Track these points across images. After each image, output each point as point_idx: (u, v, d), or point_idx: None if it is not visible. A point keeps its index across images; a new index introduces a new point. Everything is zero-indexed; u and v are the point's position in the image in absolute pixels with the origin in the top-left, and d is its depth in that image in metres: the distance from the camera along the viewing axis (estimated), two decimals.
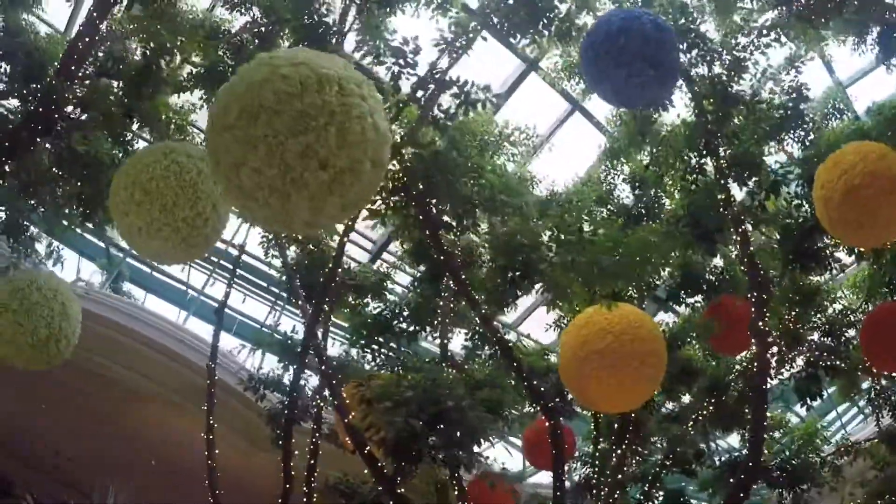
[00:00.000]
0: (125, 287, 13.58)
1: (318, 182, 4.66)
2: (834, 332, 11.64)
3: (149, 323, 12.40)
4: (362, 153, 4.79)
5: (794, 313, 11.50)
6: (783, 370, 11.60)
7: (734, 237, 9.34)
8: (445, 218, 8.55)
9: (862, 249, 11.05)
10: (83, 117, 8.82)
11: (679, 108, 9.94)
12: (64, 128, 8.75)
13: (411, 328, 10.17)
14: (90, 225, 9.44)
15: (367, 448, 8.37)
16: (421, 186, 8.45)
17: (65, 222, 9.54)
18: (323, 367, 9.09)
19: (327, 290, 9.53)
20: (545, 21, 9.17)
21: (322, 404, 9.85)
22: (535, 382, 8.78)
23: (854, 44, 11.02)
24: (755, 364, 8.92)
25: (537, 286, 8.67)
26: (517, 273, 8.33)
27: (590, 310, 8.88)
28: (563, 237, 8.09)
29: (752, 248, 9.13)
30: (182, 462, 11.86)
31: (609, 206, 11.19)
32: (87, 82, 8.96)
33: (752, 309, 8.88)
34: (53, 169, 8.94)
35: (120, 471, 13.45)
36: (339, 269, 10.13)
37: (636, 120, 10.28)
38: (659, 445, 11.56)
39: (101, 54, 9.02)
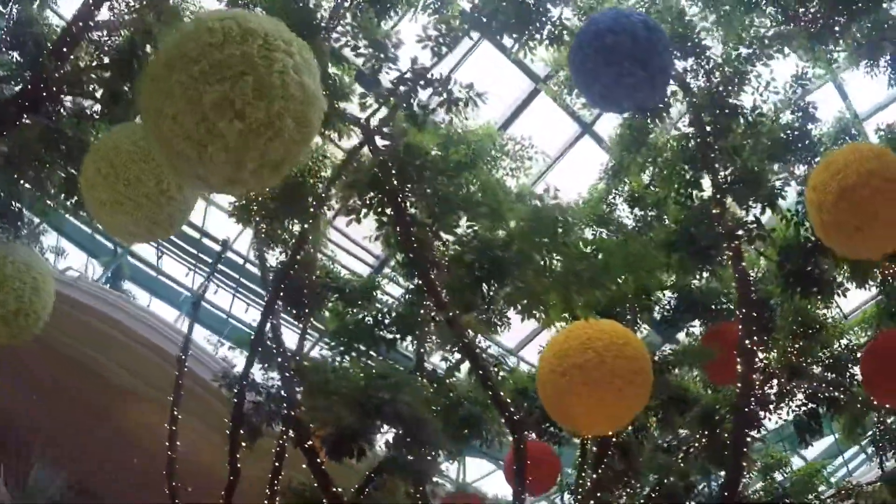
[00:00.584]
0: (125, 286, 13.08)
1: (233, 133, 4.33)
2: (838, 368, 10.48)
3: (140, 319, 11.59)
4: (282, 108, 4.45)
5: (797, 346, 10.42)
6: (783, 405, 10.48)
7: (727, 252, 8.38)
8: (419, 215, 7.83)
9: (866, 277, 10.01)
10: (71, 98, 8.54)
11: (675, 120, 9.27)
12: (52, 107, 8.48)
13: (392, 336, 9.38)
14: (73, 207, 8.99)
15: (310, 443, 7.55)
16: (395, 181, 7.77)
17: (49, 203, 9.11)
18: (281, 361, 8.32)
19: (301, 289, 8.84)
20: (538, 24, 8.55)
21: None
22: (501, 394, 7.84)
23: (867, 66, 10.16)
24: (739, 384, 7.88)
25: (508, 290, 7.80)
26: (485, 270, 7.47)
27: (572, 324, 8.04)
28: (537, 239, 7.23)
29: (744, 264, 8.17)
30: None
31: (610, 227, 10.33)
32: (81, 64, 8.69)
33: (741, 326, 7.90)
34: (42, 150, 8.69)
35: (102, 467, 12.74)
36: (318, 271, 9.49)
37: (631, 130, 9.41)
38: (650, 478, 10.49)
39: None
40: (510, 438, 11.29)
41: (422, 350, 9.37)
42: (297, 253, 8.87)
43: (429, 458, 8.95)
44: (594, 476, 9.24)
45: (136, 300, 12.66)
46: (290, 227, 9.69)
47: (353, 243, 12.88)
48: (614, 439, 9.83)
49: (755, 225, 8.69)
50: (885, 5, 10.06)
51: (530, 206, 7.43)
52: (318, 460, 7.56)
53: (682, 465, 10.15)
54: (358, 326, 9.42)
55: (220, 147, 4.37)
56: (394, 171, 7.78)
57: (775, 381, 10.27)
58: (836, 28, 9.82)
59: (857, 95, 11.99)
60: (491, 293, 7.79)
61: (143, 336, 11.83)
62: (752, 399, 9.91)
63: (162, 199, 6.36)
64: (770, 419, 10.71)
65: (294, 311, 9.42)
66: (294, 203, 9.28)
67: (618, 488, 10.47)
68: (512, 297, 7.76)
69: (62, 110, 8.61)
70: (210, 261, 12.39)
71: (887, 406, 9.86)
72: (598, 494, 9.12)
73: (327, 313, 9.96)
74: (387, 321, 9.36)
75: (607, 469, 10.32)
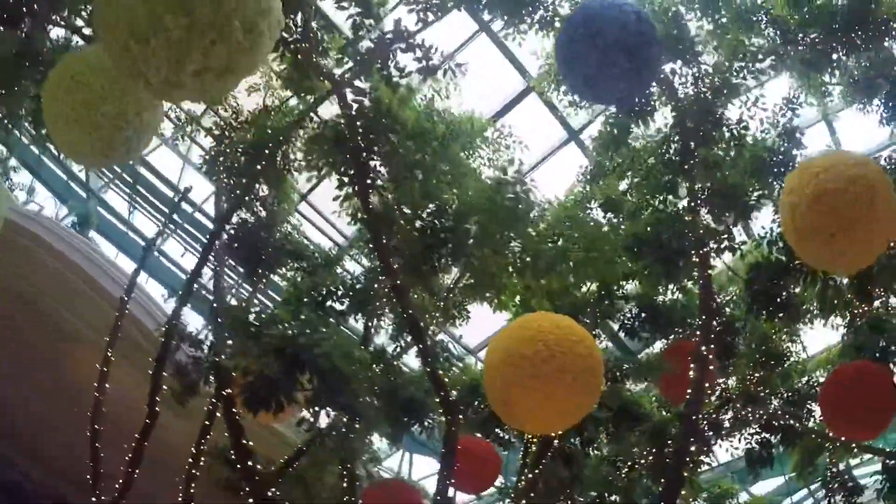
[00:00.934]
0: (91, 235, 12.39)
1: (179, 27, 4.05)
2: (797, 402, 9.81)
3: (102, 267, 10.80)
4: (231, 10, 4.15)
5: (757, 375, 9.76)
6: (736, 433, 9.80)
7: (695, 260, 7.75)
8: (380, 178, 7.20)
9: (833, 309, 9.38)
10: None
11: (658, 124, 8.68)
12: (32, 25, 7.97)
13: (342, 309, 8.70)
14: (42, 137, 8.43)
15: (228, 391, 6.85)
16: (360, 140, 7.17)
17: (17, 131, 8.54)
18: (214, 308, 7.65)
19: (257, 248, 8.18)
20: (530, 7, 8.02)
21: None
22: (438, 371, 7.12)
23: (860, 104, 9.64)
24: (689, 391, 7.18)
25: (462, 265, 7.15)
26: (437, 238, 6.82)
27: (527, 315, 7.38)
28: (496, 214, 6.59)
29: (710, 272, 7.52)
30: (113, 416, 10.27)
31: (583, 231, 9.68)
32: None
33: (698, 332, 7.25)
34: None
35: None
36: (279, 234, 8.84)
37: (613, 128, 8.82)
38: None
39: None
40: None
41: (370, 324, 8.67)
42: (248, 204, 8.26)
43: (362, 435, 8.30)
44: (530, 476, 8.53)
45: (100, 249, 11.94)
46: (258, 187, 9.07)
47: (323, 219, 12.23)
48: (559, 444, 9.15)
49: (726, 236, 8.05)
50: (886, 42, 9.58)
51: (493, 180, 6.81)
52: (234, 410, 6.87)
53: (626, 480, 9.42)
54: (309, 294, 8.76)
55: (162, 42, 4.08)
56: (361, 130, 7.19)
57: (731, 410, 9.58)
58: (834, 57, 9.34)
59: (845, 134, 11.48)
60: (442, 262, 7.12)
61: (101, 286, 11.04)
62: (703, 417, 9.31)
63: (120, 122, 5.95)
64: (721, 446, 10.04)
65: (247, 270, 8.75)
66: (263, 161, 8.67)
67: (560, 497, 9.77)
68: (470, 277, 7.14)
69: (45, 36, 8.18)
70: (191, 224, 11.74)
71: (843, 439, 9.16)
72: (532, 495, 8.38)
73: (283, 281, 9.30)
74: (339, 293, 8.70)
75: (551, 477, 9.65)
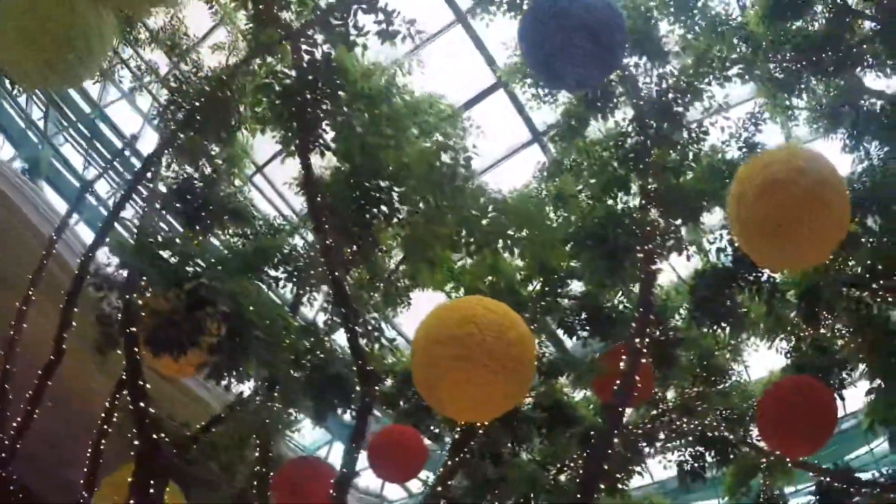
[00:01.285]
0: (44, 187, 11.63)
1: None
2: (735, 420, 9.30)
3: (48, 219, 10.27)
4: None
5: (696, 390, 9.25)
6: (671, 445, 9.26)
7: (639, 254, 7.24)
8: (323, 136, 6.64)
9: (782, 338, 8.94)
10: None
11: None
12: None
13: (274, 274, 8.07)
14: None
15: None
16: (308, 95, 6.62)
17: None
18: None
19: (198, 202, 7.59)
20: None
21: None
22: (359, 341, 6.53)
23: (824, 129, 9.27)
24: (618, 382, 6.61)
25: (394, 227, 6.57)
26: (373, 197, 6.26)
27: (462, 297, 6.83)
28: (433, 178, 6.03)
29: (653, 267, 7.02)
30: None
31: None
32: None
33: (633, 325, 6.72)
34: None
35: None
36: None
37: (571, 117, 8.32)
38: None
39: None
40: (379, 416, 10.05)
41: (301, 292, 8.04)
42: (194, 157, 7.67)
43: (281, 406, 7.68)
44: (449, 463, 7.92)
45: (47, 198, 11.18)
46: (207, 142, 8.47)
47: (276, 193, 11.61)
48: (487, 441, 8.57)
49: (674, 233, 7.55)
50: (857, 72, 9.23)
51: (434, 143, 6.28)
52: (135, 349, 6.24)
53: (553, 482, 8.82)
54: (241, 256, 8.13)
55: None
56: (310, 83, 6.65)
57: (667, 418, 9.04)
58: (803, 79, 8.97)
59: None
60: (374, 222, 6.54)
61: (42, 233, 10.28)
62: (638, 427, 8.78)
63: (65, 46, 5.64)
64: (658, 461, 9.49)
65: (182, 224, 8.12)
66: (214, 115, 8.09)
67: (486, 496, 9.19)
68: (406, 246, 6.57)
69: None
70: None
71: (778, 453, 8.61)
72: (450, 483, 7.76)
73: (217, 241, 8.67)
74: (276, 259, 8.08)
75: (477, 475, 9.07)
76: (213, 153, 8.70)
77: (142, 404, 6.09)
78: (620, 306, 8.70)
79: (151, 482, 5.84)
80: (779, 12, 8.62)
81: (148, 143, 11.24)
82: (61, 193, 11.62)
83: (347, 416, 9.21)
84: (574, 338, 8.73)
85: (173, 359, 5.48)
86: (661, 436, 9.26)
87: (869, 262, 7.49)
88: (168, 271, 5.38)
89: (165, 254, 5.64)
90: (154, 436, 6.14)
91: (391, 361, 9.81)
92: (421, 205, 6.36)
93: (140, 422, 6.08)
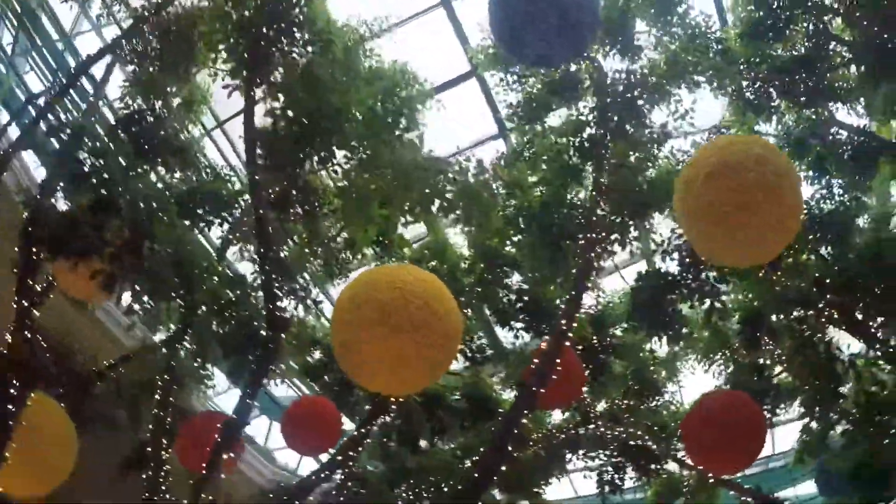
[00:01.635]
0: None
1: None
2: (662, 437, 8.75)
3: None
4: None
5: (626, 403, 8.73)
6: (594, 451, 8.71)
7: (580, 240, 6.69)
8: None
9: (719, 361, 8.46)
10: None
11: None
12: None
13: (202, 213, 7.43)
14: None
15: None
16: (264, 32, 6.05)
17: None
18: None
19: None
20: None
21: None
22: (275, 282, 5.92)
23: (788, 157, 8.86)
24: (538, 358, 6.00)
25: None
26: (309, 134, 5.65)
27: (393, 265, 6.25)
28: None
29: (593, 255, 6.49)
30: None
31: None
32: None
33: (563, 307, 6.17)
34: None
35: None
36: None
37: (532, 100, 7.80)
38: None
39: None
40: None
41: (230, 236, 7.38)
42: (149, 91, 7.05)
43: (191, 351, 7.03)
44: (355, 434, 7.29)
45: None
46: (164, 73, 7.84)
47: (235, 154, 10.91)
48: (406, 428, 7.99)
49: (619, 228, 7.04)
50: (831, 105, 8.86)
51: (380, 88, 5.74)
52: (34, 250, 5.51)
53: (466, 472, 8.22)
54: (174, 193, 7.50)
55: None
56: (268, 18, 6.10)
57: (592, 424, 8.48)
58: (773, 103, 8.58)
59: None
60: (307, 162, 5.95)
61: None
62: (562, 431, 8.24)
63: None
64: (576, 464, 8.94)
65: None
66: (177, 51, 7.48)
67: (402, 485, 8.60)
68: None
69: None
70: None
71: (700, 468, 8.00)
72: (352, 454, 7.10)
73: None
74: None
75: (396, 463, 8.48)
76: (169, 91, 8.10)
77: (25, 303, 5.38)
78: (558, 301, 8.16)
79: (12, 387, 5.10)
80: (760, 32, 8.28)
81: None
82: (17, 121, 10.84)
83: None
84: (507, 328, 8.18)
85: (72, 264, 4.85)
86: (584, 446, 8.70)
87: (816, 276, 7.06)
88: (60, 152, 4.74)
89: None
90: (33, 341, 5.43)
91: (320, 335, 9.23)
92: (360, 154, 5.80)
93: (20, 321, 5.37)
